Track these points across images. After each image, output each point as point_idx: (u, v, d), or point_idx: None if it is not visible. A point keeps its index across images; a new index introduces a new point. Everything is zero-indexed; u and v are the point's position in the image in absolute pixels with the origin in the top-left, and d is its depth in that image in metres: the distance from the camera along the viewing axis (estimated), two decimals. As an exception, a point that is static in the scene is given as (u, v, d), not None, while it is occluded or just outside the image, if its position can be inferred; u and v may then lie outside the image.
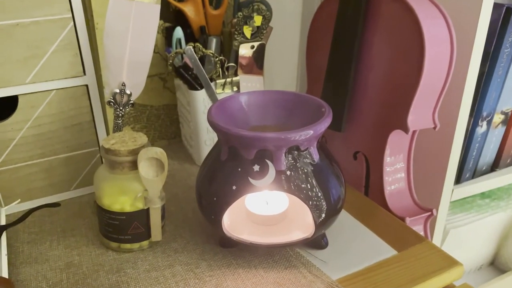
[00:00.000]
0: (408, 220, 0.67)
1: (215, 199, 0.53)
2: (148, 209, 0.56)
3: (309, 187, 0.52)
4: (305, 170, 0.52)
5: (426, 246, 0.60)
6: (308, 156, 0.52)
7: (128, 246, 0.58)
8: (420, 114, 0.65)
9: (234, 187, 0.51)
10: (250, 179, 0.51)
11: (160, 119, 0.85)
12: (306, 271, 0.55)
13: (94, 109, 0.67)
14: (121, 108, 0.63)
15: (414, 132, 0.68)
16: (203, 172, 0.55)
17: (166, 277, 0.53)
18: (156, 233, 0.58)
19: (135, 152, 0.54)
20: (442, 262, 0.57)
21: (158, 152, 0.54)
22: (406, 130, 0.64)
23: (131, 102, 0.63)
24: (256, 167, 0.51)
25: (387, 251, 0.58)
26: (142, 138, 0.57)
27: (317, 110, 0.56)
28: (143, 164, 0.54)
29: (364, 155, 0.72)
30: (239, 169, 0.52)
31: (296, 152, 0.51)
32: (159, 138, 0.86)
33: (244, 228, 0.59)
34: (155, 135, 0.85)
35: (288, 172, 0.51)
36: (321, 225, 0.53)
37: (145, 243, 0.59)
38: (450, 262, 0.57)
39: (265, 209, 0.60)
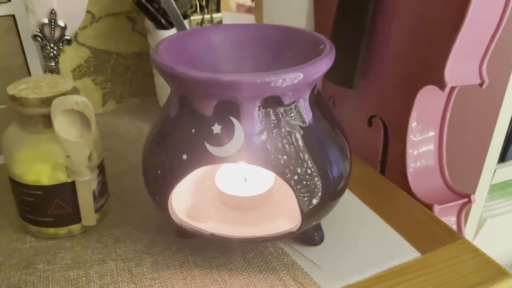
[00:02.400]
0: (437, 208, 0.50)
1: (159, 172, 0.37)
2: (73, 182, 0.41)
3: (294, 160, 0.35)
4: (290, 135, 0.35)
5: (461, 247, 0.43)
6: (295, 114, 0.35)
7: (51, 231, 0.43)
8: (462, 65, 0.47)
9: (184, 156, 0.35)
10: (207, 145, 0.35)
11: (130, 71, 0.68)
12: (289, 277, 0.39)
13: (26, 49, 0.51)
14: (51, 45, 0.46)
15: (452, 90, 0.50)
16: (150, 136, 0.39)
17: (89, 279, 0.38)
18: (88, 215, 0.43)
19: (51, 102, 0.38)
20: (485, 271, 0.40)
21: (79, 102, 0.37)
22: (442, 85, 0.46)
23: (66, 37, 0.47)
24: (217, 128, 0.34)
25: (406, 253, 0.42)
26: (66, 84, 0.40)
27: (314, 49, 0.38)
28: (60, 119, 0.38)
29: (381, 120, 0.54)
30: (193, 131, 0.35)
31: (277, 107, 0.34)
32: (128, 95, 0.70)
33: (212, 213, 0.43)
34: (124, 91, 0.69)
35: (263, 137, 0.34)
36: (311, 214, 0.37)
37: (75, 228, 0.43)
38: (496, 272, 0.40)
39: (243, 188, 0.44)
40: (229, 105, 0.34)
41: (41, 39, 0.46)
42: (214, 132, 0.34)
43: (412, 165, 0.52)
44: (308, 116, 0.36)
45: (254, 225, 0.42)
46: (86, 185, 0.41)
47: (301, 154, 0.35)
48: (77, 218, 0.43)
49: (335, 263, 0.40)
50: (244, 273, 0.39)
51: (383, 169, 0.56)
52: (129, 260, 0.40)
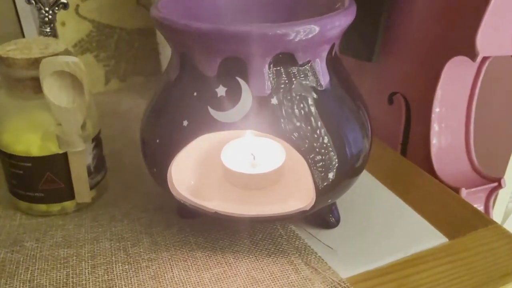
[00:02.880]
0: (464, 192, 0.45)
1: (157, 141, 0.33)
2: (66, 154, 0.37)
3: (308, 128, 0.31)
4: (305, 100, 0.31)
5: (494, 232, 0.38)
6: (310, 75, 0.31)
7: (42, 207, 0.39)
8: (495, 34, 0.42)
9: (185, 123, 0.31)
10: (210, 109, 0.31)
11: (134, 48, 0.65)
12: (301, 261, 0.35)
13: (21, 16, 0.47)
14: (46, 9, 0.43)
15: (482, 62, 0.46)
16: (149, 105, 0.36)
17: (80, 258, 0.35)
18: (82, 191, 0.39)
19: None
20: (521, 259, 0.36)
21: (70, 63, 0.34)
22: (473, 55, 0.42)
23: (62, 1, 0.44)
24: (221, 90, 0.31)
25: (432, 238, 0.38)
26: (58, 46, 0.37)
27: (333, 9, 0.34)
28: (50, 83, 0.34)
29: (403, 97, 0.50)
30: (194, 94, 0.31)
31: (289, 66, 0.30)
32: (133, 73, 0.66)
33: (217, 192, 0.39)
34: (128, 69, 0.65)
35: (274, 101, 0.30)
36: (326, 191, 0.33)
37: (69, 205, 0.40)
38: (534, 260, 0.36)
39: (251, 165, 0.40)
40: (235, 64, 0.30)
41: (35, 2, 0.43)
42: (219, 95, 0.31)
43: (437, 146, 0.48)
44: (325, 79, 0.32)
45: (263, 205, 0.38)
46: (80, 157, 0.37)
47: (316, 122, 0.31)
48: (70, 195, 0.39)
49: (353, 248, 0.36)
50: (250, 256, 0.35)
51: (404, 151, 0.51)
52: (125, 239, 0.37)
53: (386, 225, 0.39)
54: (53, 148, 0.37)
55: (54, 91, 0.35)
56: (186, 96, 0.32)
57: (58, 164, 0.38)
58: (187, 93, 0.32)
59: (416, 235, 0.38)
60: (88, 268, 0.34)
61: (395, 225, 0.39)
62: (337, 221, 0.39)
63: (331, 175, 0.32)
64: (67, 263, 0.34)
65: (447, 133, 0.48)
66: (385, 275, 0.34)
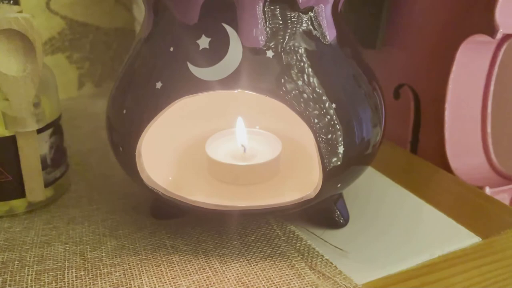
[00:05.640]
0: (488, 191, 0.39)
1: (124, 112, 0.27)
2: (15, 139, 0.31)
3: (311, 87, 0.25)
4: (307, 54, 0.25)
5: (533, 232, 0.32)
6: (313, 24, 0.25)
7: (-16, 207, 0.32)
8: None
9: (158, 85, 0.25)
10: (190, 66, 0.25)
11: (112, 50, 0.59)
12: (304, 264, 0.28)
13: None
14: (4, -20, 0.37)
15: (502, 40, 0.41)
16: (118, 75, 0.29)
17: (23, 263, 0.27)
18: (33, 186, 0.32)
19: (-15, 24, 0.28)
20: None
21: (20, 19, 0.28)
22: (492, 31, 0.37)
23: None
24: (204, 41, 0.25)
25: (462, 237, 0.31)
26: (11, 8, 0.31)
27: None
28: (-5, 43, 0.28)
29: (412, 89, 0.44)
30: (171, 49, 0.25)
31: (289, 11, 0.25)
32: (109, 78, 0.60)
33: (200, 188, 0.33)
34: (104, 73, 0.59)
35: (270, 53, 0.25)
36: (334, 174, 0.26)
37: (19, 204, 0.33)
38: None
39: (241, 159, 0.34)
40: (221, 6, 0.24)
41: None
42: (201, 48, 0.25)
43: (451, 143, 0.42)
44: (330, 32, 0.26)
45: (255, 200, 0.31)
46: (31, 142, 0.31)
47: (320, 82, 0.25)
48: (20, 191, 0.32)
49: (367, 250, 0.30)
50: (241, 260, 0.28)
51: (415, 150, 0.45)
52: (83, 243, 0.29)
53: (404, 225, 0.32)
54: (-2, 130, 0.30)
55: (1, 57, 0.28)
56: (161, 53, 0.26)
57: (5, 150, 0.31)
58: (161, 49, 0.26)
59: (441, 235, 0.31)
60: (31, 274, 0.26)
61: (415, 224, 0.32)
62: (346, 220, 0.32)
63: (340, 150, 0.26)
64: (5, 269, 0.26)
65: (461, 127, 0.42)
66: (409, 280, 0.27)
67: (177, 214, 0.32)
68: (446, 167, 0.42)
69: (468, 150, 0.43)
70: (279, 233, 0.31)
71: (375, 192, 0.36)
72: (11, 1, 0.38)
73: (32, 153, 0.31)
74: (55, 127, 0.33)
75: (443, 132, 0.42)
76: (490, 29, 0.37)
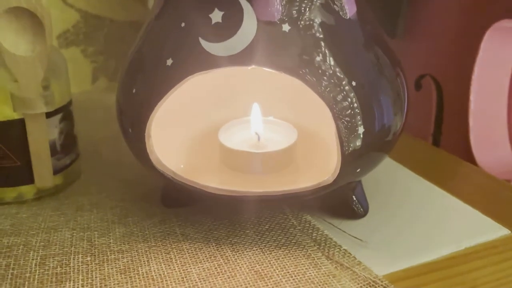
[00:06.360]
0: (516, 185, 0.37)
1: (134, 91, 0.26)
2: (23, 123, 0.30)
3: (330, 64, 0.24)
4: (325, 28, 0.24)
5: None
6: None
7: (-7, 193, 0.31)
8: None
9: (169, 62, 0.24)
10: (202, 41, 0.23)
11: (126, 43, 0.58)
12: (321, 254, 0.26)
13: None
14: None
15: (529, 29, 0.39)
16: (128, 56, 0.28)
17: (29, 248, 0.26)
18: (41, 171, 0.31)
19: (-6, 3, 0.28)
20: None
21: (31, -5, 0.27)
22: (519, 15, 0.35)
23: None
24: (217, 15, 0.23)
25: (489, 229, 0.29)
26: (21, -12, 0.30)
27: None
28: (3, 23, 0.27)
29: (434, 79, 0.43)
30: (182, 25, 0.24)
31: (304, -15, 0.23)
32: (124, 72, 0.59)
33: (213, 175, 0.31)
34: (118, 66, 0.59)
35: (286, 27, 0.23)
36: (353, 158, 0.25)
37: (27, 190, 0.32)
38: None
39: (255, 147, 0.32)
40: (235, -22, 0.23)
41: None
42: (213, 22, 0.23)
43: (476, 133, 0.40)
44: (350, 7, 0.25)
45: (270, 187, 0.29)
46: (40, 125, 0.30)
47: (339, 59, 0.24)
48: (28, 177, 0.31)
49: (388, 241, 0.28)
50: (254, 248, 0.27)
51: (437, 143, 0.43)
52: (91, 229, 0.28)
53: (428, 217, 0.30)
54: (7, 112, 0.29)
55: (10, 36, 0.28)
56: (171, 29, 0.25)
57: (13, 134, 0.30)
58: (172, 25, 0.25)
59: (467, 227, 0.29)
60: (36, 258, 0.25)
61: (439, 217, 0.30)
62: (365, 210, 0.30)
63: (360, 132, 0.24)
64: (9, 252, 0.26)
65: (486, 117, 0.40)
66: (434, 272, 0.25)
67: (187, 202, 0.31)
68: (471, 160, 0.40)
69: (493, 143, 0.41)
70: (295, 222, 0.29)
71: (398, 185, 0.34)
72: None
73: (41, 137, 0.30)
74: (65, 113, 0.33)
75: (467, 124, 0.40)
76: (517, 13, 0.35)
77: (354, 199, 0.30)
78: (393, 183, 0.35)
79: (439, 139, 0.43)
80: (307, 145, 0.33)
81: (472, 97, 0.40)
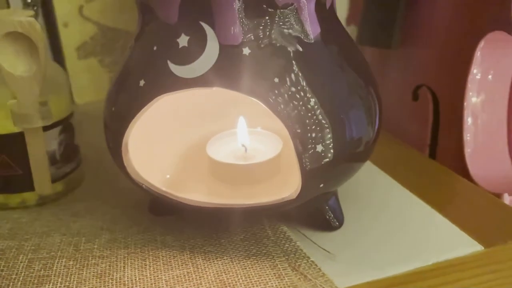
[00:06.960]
0: (507, 198, 0.37)
1: (113, 109, 0.28)
2: (23, 133, 0.33)
3: (289, 85, 0.25)
4: (285, 52, 0.25)
5: (546, 243, 0.29)
6: (293, 21, 0.25)
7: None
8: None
9: (141, 83, 0.26)
10: (170, 64, 0.25)
11: (141, 54, 0.61)
12: (287, 265, 0.27)
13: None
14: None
15: (524, 39, 0.38)
16: (116, 73, 0.30)
17: (20, 251, 0.29)
18: (40, 180, 0.34)
19: (-5, 28, 0.31)
20: None
21: (24, 22, 0.29)
22: (509, 28, 0.35)
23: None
24: (183, 39, 0.25)
25: (463, 245, 0.29)
26: (23, 13, 0.33)
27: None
28: (3, 46, 0.30)
29: (430, 90, 0.43)
30: (154, 48, 0.26)
31: (266, 7, 0.25)
32: (140, 81, 0.62)
33: (199, 187, 0.33)
34: (134, 76, 0.62)
35: (246, 50, 0.25)
36: (316, 173, 0.26)
37: (30, 197, 0.35)
38: None
39: (242, 158, 0.34)
40: (198, 4, 0.24)
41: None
42: (180, 46, 0.25)
43: (471, 146, 0.40)
44: (313, 29, 0.26)
45: (251, 199, 0.31)
46: (37, 138, 0.33)
47: (298, 80, 0.25)
48: (30, 184, 0.34)
49: (357, 254, 0.29)
50: (224, 257, 0.28)
51: (434, 154, 0.43)
52: (80, 235, 0.31)
53: (403, 229, 0.31)
54: (9, 126, 0.32)
55: (9, 58, 0.30)
56: (146, 52, 0.27)
57: (15, 145, 0.33)
58: (146, 48, 0.27)
59: (441, 242, 0.29)
60: (24, 261, 0.28)
61: (415, 229, 0.31)
62: (340, 223, 0.31)
63: (319, 148, 0.25)
64: (2, 255, 0.28)
65: (483, 130, 0.40)
66: (396, 286, 0.26)
67: (173, 211, 0.33)
68: (464, 171, 0.40)
69: (491, 155, 0.40)
70: (270, 233, 0.31)
71: (378, 194, 0.35)
72: (35, 8, 0.41)
73: (39, 148, 0.33)
74: (64, 125, 0.35)
75: (462, 134, 0.40)
76: (507, 25, 0.35)
77: (329, 211, 0.31)
78: (374, 192, 0.35)
79: (436, 150, 0.43)
80: (294, 154, 0.34)
81: (466, 108, 0.40)
